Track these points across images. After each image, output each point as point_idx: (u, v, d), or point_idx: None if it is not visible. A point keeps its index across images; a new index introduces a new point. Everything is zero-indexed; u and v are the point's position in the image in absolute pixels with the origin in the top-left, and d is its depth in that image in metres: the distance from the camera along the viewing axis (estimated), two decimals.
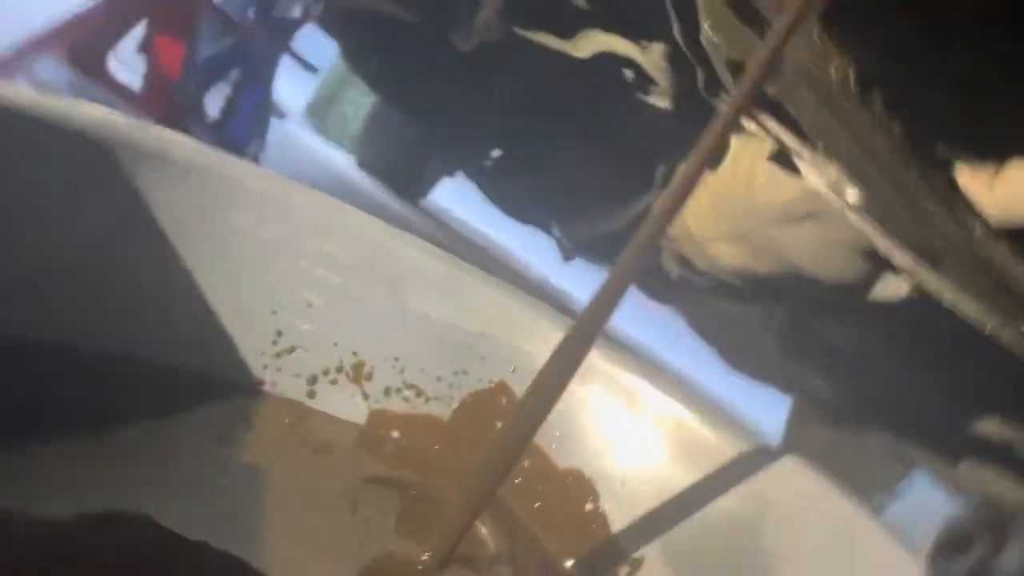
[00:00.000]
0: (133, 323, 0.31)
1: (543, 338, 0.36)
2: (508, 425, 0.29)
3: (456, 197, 2.15)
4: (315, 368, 0.35)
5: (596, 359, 0.36)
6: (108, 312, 0.31)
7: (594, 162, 1.06)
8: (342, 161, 2.03)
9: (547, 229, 1.69)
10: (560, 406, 0.30)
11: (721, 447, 0.34)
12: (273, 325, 0.35)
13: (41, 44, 0.93)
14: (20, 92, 0.29)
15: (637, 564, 0.33)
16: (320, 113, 2.30)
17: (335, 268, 0.35)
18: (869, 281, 0.53)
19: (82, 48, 0.95)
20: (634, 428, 0.36)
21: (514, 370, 0.36)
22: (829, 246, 0.51)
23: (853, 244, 0.50)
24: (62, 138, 0.29)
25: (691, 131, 0.28)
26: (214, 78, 1.19)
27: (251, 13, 1.17)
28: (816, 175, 0.43)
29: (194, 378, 0.33)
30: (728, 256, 0.67)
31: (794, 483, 0.33)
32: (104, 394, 0.30)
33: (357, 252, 0.35)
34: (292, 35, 1.24)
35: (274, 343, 0.35)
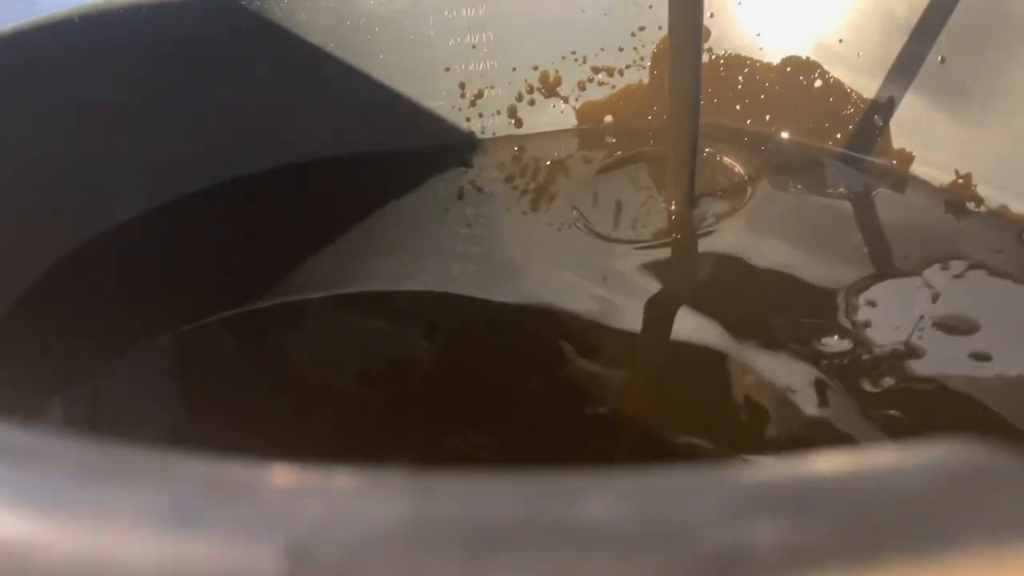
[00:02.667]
0: (342, 128, 0.35)
1: None
2: (672, 48, 0.28)
3: None
4: (509, 99, 0.36)
5: None
6: (320, 129, 0.35)
7: None
8: None
9: None
10: (731, 9, 0.29)
11: None
12: (453, 80, 0.36)
13: None
14: None
15: (891, 107, 0.31)
16: None
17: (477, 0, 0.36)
18: None
19: None
20: None
21: None
22: None
23: None
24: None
25: None
26: None
27: None
28: None
29: (414, 156, 0.36)
30: None
31: None
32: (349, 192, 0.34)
33: None
34: None
35: (462, 96, 0.36)
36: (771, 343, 0.24)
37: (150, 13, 0.31)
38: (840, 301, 0.25)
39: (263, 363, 0.26)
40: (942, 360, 0.22)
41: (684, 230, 0.30)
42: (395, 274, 0.29)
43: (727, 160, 0.33)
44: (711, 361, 0.24)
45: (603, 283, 0.28)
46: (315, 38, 0.34)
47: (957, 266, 0.26)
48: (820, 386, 0.22)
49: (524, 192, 0.34)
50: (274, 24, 0.33)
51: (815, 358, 0.23)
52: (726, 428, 0.21)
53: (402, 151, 0.36)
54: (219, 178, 0.33)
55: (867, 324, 0.23)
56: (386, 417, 0.23)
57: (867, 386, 0.21)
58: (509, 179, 0.35)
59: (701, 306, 0.26)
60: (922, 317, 0.24)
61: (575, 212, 0.31)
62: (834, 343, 0.23)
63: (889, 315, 0.24)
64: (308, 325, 0.28)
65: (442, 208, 0.33)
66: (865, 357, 0.22)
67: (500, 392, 0.24)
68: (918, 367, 0.22)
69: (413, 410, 0.24)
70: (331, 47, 0.34)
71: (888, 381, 0.21)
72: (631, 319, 0.26)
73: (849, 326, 0.24)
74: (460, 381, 0.25)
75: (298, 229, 0.32)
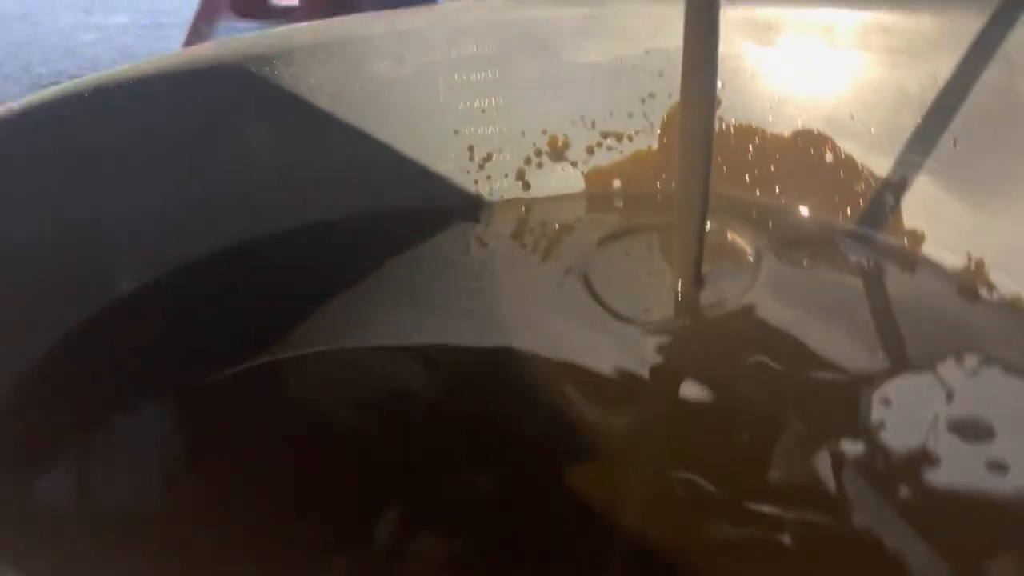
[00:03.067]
0: (350, 189, 0.35)
1: None
2: (683, 118, 0.28)
3: None
4: (517, 162, 0.36)
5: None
6: (328, 191, 0.34)
7: None
8: None
9: None
10: (743, 79, 0.29)
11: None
12: (462, 143, 0.36)
13: (208, 14, 1.01)
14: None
15: (902, 185, 0.31)
16: None
17: (485, 64, 0.35)
18: None
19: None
20: (831, 59, 0.33)
21: None
22: None
23: None
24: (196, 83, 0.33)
25: None
26: None
27: None
28: None
29: (421, 214, 0.35)
30: None
31: None
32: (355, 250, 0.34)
33: (497, 38, 0.35)
34: None
35: (471, 159, 0.36)
36: (783, 440, 0.23)
37: (159, 82, 0.31)
38: (854, 398, 0.25)
39: (269, 418, 0.26)
40: (958, 468, 0.22)
41: (690, 312, 0.29)
42: (400, 328, 0.29)
43: (735, 236, 0.33)
44: (716, 439, 0.24)
45: (608, 346, 0.28)
46: (324, 103, 0.34)
47: (971, 360, 0.25)
48: (836, 488, 0.22)
49: (533, 250, 0.34)
50: (283, 90, 0.33)
51: (830, 459, 0.22)
52: (730, 510, 0.21)
53: (409, 209, 0.36)
54: (231, 241, 0.33)
55: (881, 425, 0.23)
56: (388, 466, 0.23)
57: (883, 492, 0.21)
58: (516, 236, 0.35)
59: (707, 388, 0.26)
60: (937, 418, 0.23)
61: (581, 278, 0.31)
62: (849, 445, 0.23)
63: (903, 416, 0.23)
64: (313, 379, 0.28)
65: (448, 262, 0.33)
66: (880, 464, 0.22)
67: (501, 447, 0.24)
68: (934, 475, 0.21)
69: (415, 461, 0.24)
70: (340, 111, 0.34)
71: (904, 489, 0.21)
72: (634, 385, 0.26)
73: (864, 427, 0.23)
74: (461, 434, 0.25)
75: (305, 286, 0.32)
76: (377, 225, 0.35)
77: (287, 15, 1.02)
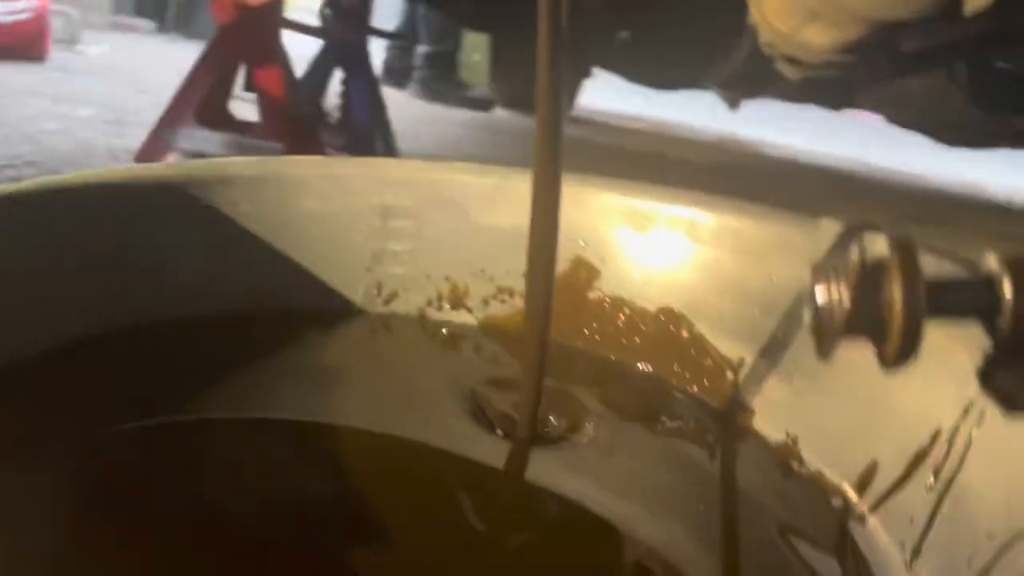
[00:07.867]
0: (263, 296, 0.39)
1: (600, 208, 0.40)
2: (527, 286, 0.33)
3: (602, 95, 2.20)
4: (419, 303, 0.41)
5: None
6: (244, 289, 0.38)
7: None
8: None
9: (701, 86, 1.69)
10: (620, 258, 0.34)
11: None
12: (372, 279, 0.40)
13: (172, 119, 1.06)
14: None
15: (741, 366, 0.36)
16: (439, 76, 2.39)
17: (404, 214, 0.40)
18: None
19: (204, 109, 1.07)
20: (692, 251, 0.39)
21: (583, 244, 0.40)
22: None
23: None
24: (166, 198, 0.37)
25: None
26: (319, 85, 1.29)
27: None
28: None
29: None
30: (818, 37, 0.65)
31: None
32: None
33: (416, 193, 0.40)
34: (368, 16, 1.31)
35: (377, 294, 0.40)
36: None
37: (106, 191, 0.35)
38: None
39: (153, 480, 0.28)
40: None
41: (518, 464, 0.33)
42: (300, 404, 0.33)
43: (583, 396, 0.37)
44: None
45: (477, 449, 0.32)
46: (254, 227, 0.38)
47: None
48: None
49: (433, 335, 0.40)
50: (216, 210, 0.37)
51: None
52: None
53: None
54: (147, 319, 0.36)
55: None
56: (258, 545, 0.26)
57: None
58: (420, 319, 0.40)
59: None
60: None
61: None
62: None
63: None
64: (207, 446, 0.30)
65: (348, 348, 0.37)
66: None
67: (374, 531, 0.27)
68: None
69: (285, 542, 0.26)
70: (268, 236, 0.38)
71: None
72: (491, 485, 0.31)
73: None
74: (337, 518, 0.27)
75: (212, 363, 0.35)
76: (282, 319, 0.39)
77: (247, 130, 1.08)
